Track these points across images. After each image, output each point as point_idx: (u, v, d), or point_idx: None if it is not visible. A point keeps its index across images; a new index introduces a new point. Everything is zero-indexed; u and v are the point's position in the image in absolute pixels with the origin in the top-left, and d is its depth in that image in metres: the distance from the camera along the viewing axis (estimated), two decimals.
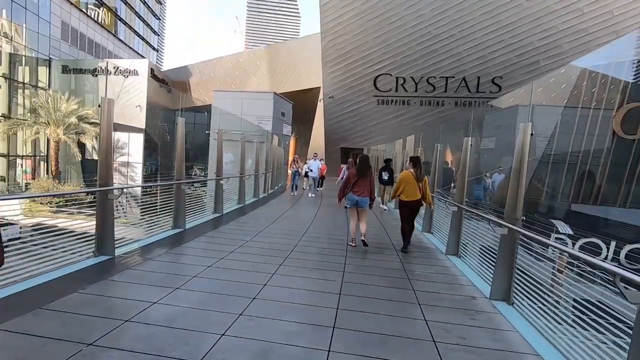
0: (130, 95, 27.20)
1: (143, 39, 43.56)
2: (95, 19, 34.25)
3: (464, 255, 5.25)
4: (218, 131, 8.54)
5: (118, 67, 27.28)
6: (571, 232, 7.11)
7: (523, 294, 3.45)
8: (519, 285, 3.53)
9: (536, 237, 3.25)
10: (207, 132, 27.42)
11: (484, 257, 4.51)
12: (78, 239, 3.98)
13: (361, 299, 3.49)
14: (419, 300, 3.53)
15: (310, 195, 13.04)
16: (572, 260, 3.41)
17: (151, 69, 27.83)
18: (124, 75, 27.24)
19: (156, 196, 7.69)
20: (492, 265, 4.00)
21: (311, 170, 13.22)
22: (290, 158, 15.51)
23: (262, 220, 7.57)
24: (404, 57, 22.46)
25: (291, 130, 24.06)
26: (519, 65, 20.78)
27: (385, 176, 10.38)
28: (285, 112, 22.15)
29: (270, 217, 8.03)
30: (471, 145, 5.31)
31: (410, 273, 4.46)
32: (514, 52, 20.76)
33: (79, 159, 25.71)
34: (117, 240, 4.14)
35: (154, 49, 47.47)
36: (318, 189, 14.23)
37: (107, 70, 27.33)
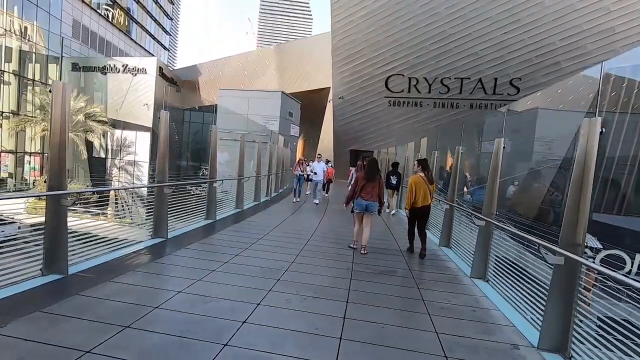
0: (138, 94, 27.06)
1: (154, 38, 43.66)
2: (107, 18, 34.32)
3: (493, 280, 4.48)
4: (212, 128, 7.83)
5: (127, 65, 27.15)
6: (600, 246, 6.40)
7: (587, 345, 2.62)
8: (581, 333, 2.70)
9: (620, 277, 2.27)
10: (173, 124, 27.12)
11: (522, 285, 3.71)
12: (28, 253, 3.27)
13: (367, 346, 2.71)
14: (445, 352, 2.70)
15: (314, 201, 11.79)
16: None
17: (159, 67, 27.61)
18: (132, 74, 27.09)
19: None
20: (533, 297, 3.33)
21: (315, 174, 11.81)
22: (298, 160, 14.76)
23: (255, 230, 6.77)
24: (417, 57, 21.63)
25: (299, 131, 23.44)
26: (539, 67, 19.75)
27: (393, 180, 10.13)
28: (293, 112, 21.54)
29: (266, 227, 7.15)
30: (504, 147, 4.53)
31: (431, 305, 3.64)
32: (533, 52, 19.74)
33: (85, 157, 25.52)
34: (75, 253, 3.47)
35: (165, 48, 47.59)
36: (324, 194, 13.29)
37: (116, 68, 27.19)
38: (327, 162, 14.54)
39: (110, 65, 27.37)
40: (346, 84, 23.20)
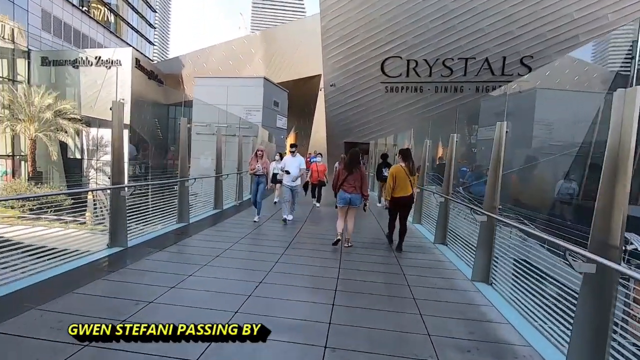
0: (113, 88, 24.92)
1: (136, 30, 41.28)
2: (81, 9, 32.04)
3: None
4: (182, 121, 7.25)
5: (99, 57, 24.96)
6: None
7: None
8: None
9: None
10: (187, 126, 25.05)
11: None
12: None
13: None
14: None
15: (284, 216, 7.45)
16: None
17: (136, 59, 25.42)
18: (106, 66, 24.93)
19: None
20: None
21: (287, 173, 7.39)
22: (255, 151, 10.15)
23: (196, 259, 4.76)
24: (416, 37, 19.43)
25: (286, 123, 21.32)
26: (553, 42, 17.55)
27: (385, 172, 9.67)
28: (280, 101, 19.39)
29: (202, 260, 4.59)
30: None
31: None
32: (547, 25, 17.53)
33: (54, 157, 23.45)
34: None
35: (150, 42, 45.26)
36: (315, 203, 9.99)
37: (88, 61, 25.01)
38: (318, 155, 11.75)
39: (82, 58, 25.20)
40: (338, 70, 21.02)
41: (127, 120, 24.51)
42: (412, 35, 19.43)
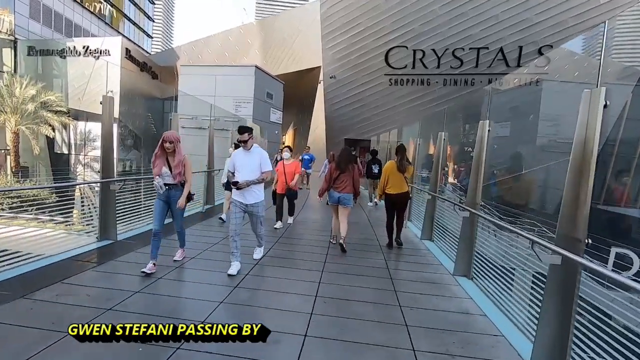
0: (102, 80, 23.62)
1: (132, 21, 39.98)
2: None
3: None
4: (172, 116, 6.94)
5: (87, 47, 23.65)
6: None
7: None
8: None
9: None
10: (149, 115, 23.71)
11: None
12: None
13: None
14: None
15: (232, 263, 3.95)
16: None
17: (126, 49, 24.09)
18: (94, 56, 23.62)
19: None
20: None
21: (232, 175, 4.17)
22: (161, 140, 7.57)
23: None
24: (424, 25, 17.85)
25: (282, 117, 19.80)
26: (576, 29, 15.89)
27: (375, 169, 9.46)
28: (274, 93, 17.89)
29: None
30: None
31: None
32: (569, 11, 15.89)
33: (36, 152, 22.20)
34: None
35: (148, 35, 43.98)
36: (289, 221, 6.88)
37: (76, 51, 23.73)
38: (286, 149, 6.70)
39: (69, 48, 23.89)
40: (339, 61, 19.52)
41: (116, 113, 23.27)
42: (420, 23, 17.85)
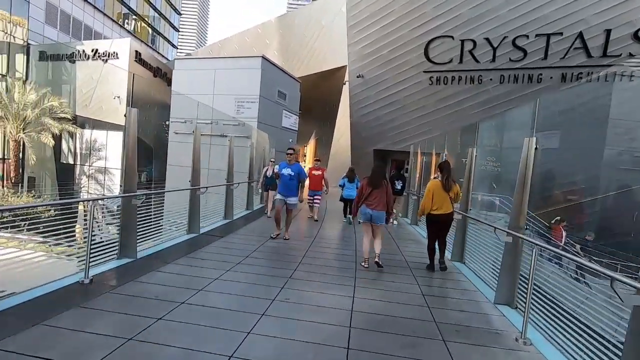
0: (109, 85, 21.90)
1: (155, 29, 39.19)
2: (93, 4, 30.03)
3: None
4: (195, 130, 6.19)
5: (96, 50, 22.08)
6: None
7: None
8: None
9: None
10: (166, 122, 21.23)
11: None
12: None
13: None
14: None
15: None
16: None
17: (136, 51, 22.29)
18: (103, 60, 21.98)
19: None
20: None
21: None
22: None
23: None
24: (475, 8, 14.34)
25: (297, 123, 16.73)
26: None
27: (398, 185, 9.02)
28: (287, 93, 14.88)
29: None
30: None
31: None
32: None
33: (32, 162, 20.52)
34: None
35: (173, 45, 43.24)
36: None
37: (85, 55, 22.23)
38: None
39: (78, 51, 22.46)
40: (367, 57, 16.34)
41: (121, 120, 21.31)
42: (470, 6, 14.35)
